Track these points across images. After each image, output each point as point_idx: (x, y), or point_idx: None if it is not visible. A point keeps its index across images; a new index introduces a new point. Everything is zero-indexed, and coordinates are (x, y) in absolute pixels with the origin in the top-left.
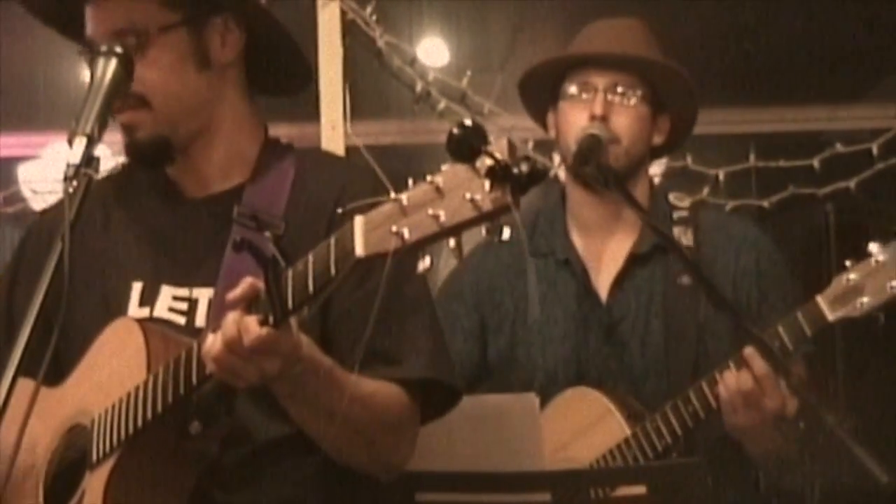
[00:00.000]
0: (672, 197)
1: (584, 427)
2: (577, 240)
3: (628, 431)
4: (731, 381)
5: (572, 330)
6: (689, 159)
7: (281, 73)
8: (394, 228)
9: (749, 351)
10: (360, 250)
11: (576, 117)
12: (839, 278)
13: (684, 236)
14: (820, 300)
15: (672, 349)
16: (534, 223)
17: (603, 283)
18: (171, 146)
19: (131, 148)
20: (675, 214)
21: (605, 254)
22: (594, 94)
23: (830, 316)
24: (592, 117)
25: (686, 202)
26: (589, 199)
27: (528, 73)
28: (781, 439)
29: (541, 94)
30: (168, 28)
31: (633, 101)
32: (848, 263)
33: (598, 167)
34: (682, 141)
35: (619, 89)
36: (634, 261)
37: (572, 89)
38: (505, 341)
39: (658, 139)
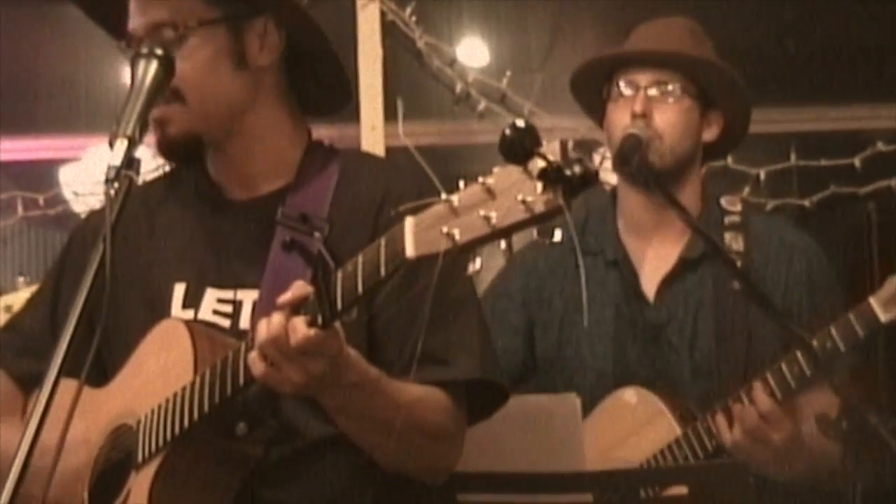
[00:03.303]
0: (724, 201)
1: (635, 427)
2: (627, 240)
3: (679, 431)
4: (736, 417)
5: (620, 330)
6: (729, 159)
7: (321, 88)
8: (445, 229)
9: (756, 385)
10: (410, 251)
11: (620, 117)
12: (892, 280)
13: (735, 242)
14: (872, 301)
15: (723, 353)
16: (584, 222)
17: (651, 284)
18: (202, 143)
19: (163, 143)
20: (727, 219)
21: (655, 256)
22: (637, 93)
23: (883, 317)
24: (634, 115)
25: (738, 206)
26: (639, 199)
27: (575, 75)
28: (805, 465)
29: (592, 95)
30: (207, 23)
31: (675, 97)
32: None
33: (638, 167)
34: (739, 137)
35: (661, 86)
36: (685, 265)
37: (617, 89)
38: (553, 339)
39: (709, 135)
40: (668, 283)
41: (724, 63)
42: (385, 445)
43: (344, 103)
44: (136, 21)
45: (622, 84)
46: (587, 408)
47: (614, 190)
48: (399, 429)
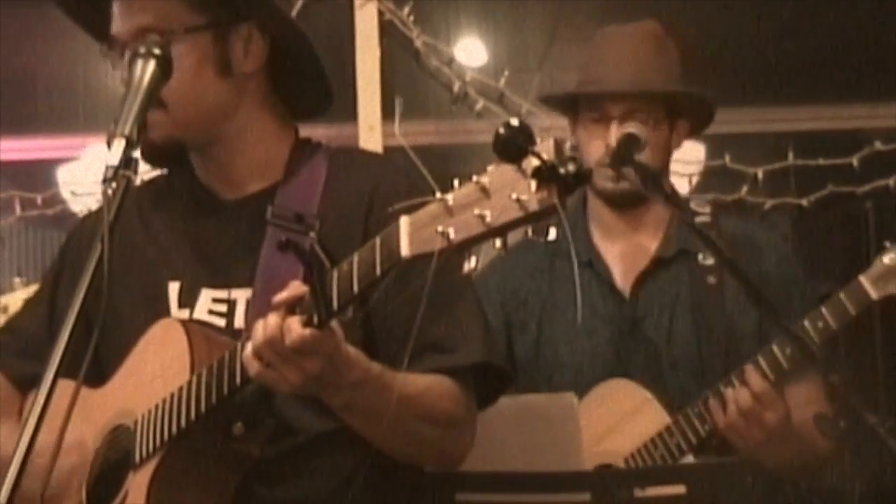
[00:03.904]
0: (693, 203)
1: (622, 417)
2: (600, 243)
3: (669, 419)
4: (729, 400)
5: (598, 327)
6: (727, 158)
7: (303, 91)
8: (439, 228)
9: (748, 367)
10: (405, 250)
11: (594, 146)
12: (879, 258)
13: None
14: (863, 279)
15: (704, 346)
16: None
17: (626, 282)
18: (184, 149)
19: (144, 148)
20: (698, 220)
21: (629, 255)
22: (609, 123)
23: (874, 294)
24: (608, 147)
25: (707, 208)
26: (609, 210)
27: (544, 100)
28: (795, 449)
29: (562, 109)
30: (193, 29)
31: (650, 126)
32: (887, 244)
33: (636, 167)
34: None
35: (636, 117)
36: (659, 263)
37: (588, 116)
38: (531, 339)
39: (677, 144)
40: (642, 279)
41: (694, 88)
42: (396, 439)
43: (325, 106)
44: (120, 25)
45: (592, 113)
46: None
47: (584, 194)
48: (408, 421)
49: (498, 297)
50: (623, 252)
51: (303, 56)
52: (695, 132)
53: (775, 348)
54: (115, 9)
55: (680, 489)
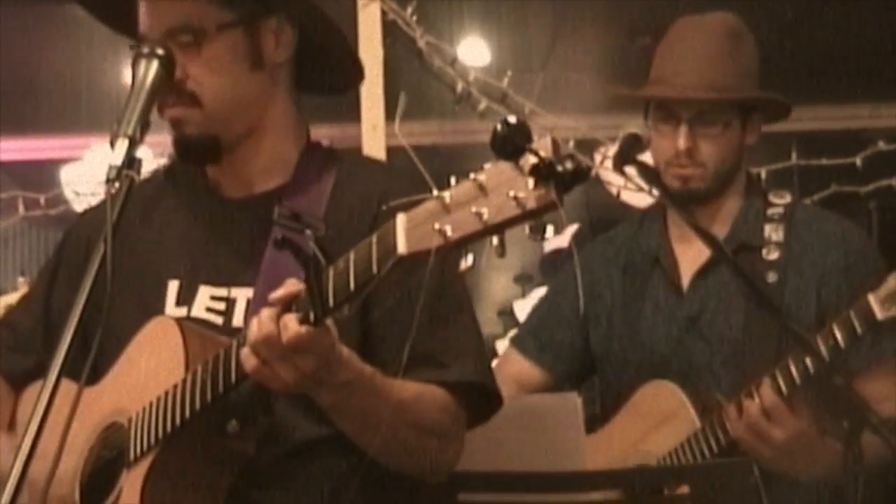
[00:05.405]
0: (771, 195)
1: (659, 421)
2: (675, 241)
3: (698, 425)
4: (745, 410)
5: (658, 323)
6: None
7: (331, 73)
8: (437, 226)
9: (764, 380)
10: (402, 248)
11: (664, 147)
12: (891, 277)
13: (775, 233)
14: (871, 298)
15: (752, 344)
16: (640, 222)
17: (688, 278)
18: (220, 145)
19: (180, 143)
20: (770, 211)
21: (696, 253)
22: (678, 124)
23: (880, 314)
24: (678, 153)
25: (785, 199)
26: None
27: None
28: (829, 463)
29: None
30: (224, 27)
31: (720, 128)
32: None
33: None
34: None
35: (706, 119)
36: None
37: (657, 115)
38: (602, 333)
39: (752, 139)
40: (700, 275)
41: (765, 87)
42: (383, 443)
43: (356, 81)
44: (149, 25)
45: (662, 112)
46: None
47: None
48: (396, 427)
49: (576, 289)
50: (693, 249)
51: (329, 38)
52: (769, 123)
53: (791, 363)
54: (143, 9)
55: (683, 489)
